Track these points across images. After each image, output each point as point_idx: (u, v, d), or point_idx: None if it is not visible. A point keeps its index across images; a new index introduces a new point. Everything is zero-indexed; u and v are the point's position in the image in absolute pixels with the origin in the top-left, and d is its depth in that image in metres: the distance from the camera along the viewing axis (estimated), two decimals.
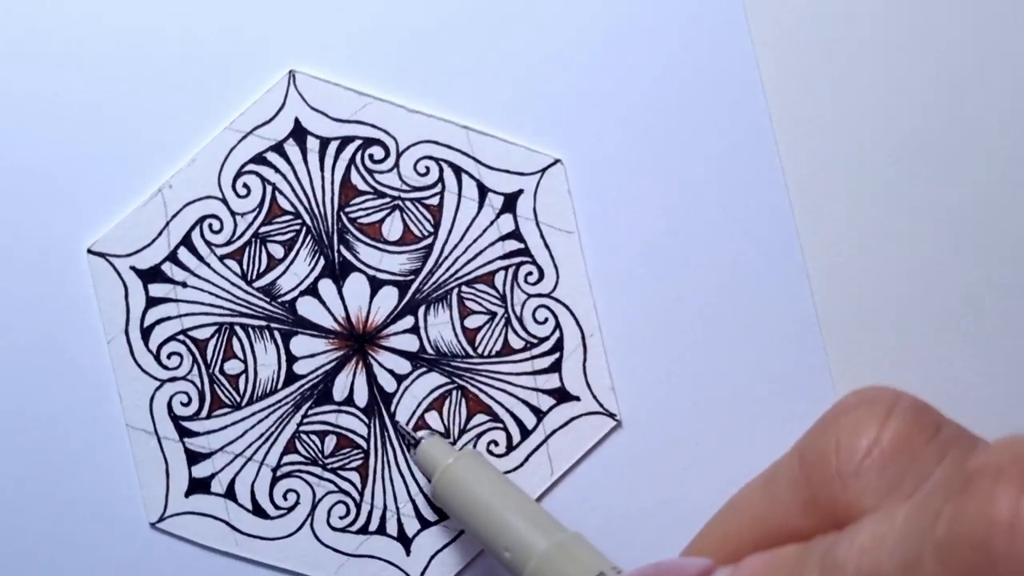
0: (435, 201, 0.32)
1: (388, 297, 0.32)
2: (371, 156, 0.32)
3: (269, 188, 0.31)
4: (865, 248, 0.32)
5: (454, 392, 0.32)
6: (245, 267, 0.31)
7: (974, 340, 0.32)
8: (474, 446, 0.32)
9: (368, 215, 0.32)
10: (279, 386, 0.31)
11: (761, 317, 0.32)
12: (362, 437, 0.31)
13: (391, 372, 0.32)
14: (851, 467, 0.21)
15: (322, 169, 0.32)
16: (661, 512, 0.32)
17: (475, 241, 0.32)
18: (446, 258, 0.32)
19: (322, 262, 0.32)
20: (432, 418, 0.32)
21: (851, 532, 0.19)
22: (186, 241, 0.31)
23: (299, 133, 0.32)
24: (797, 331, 0.32)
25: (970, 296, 0.32)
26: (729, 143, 0.32)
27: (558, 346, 0.32)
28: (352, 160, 0.32)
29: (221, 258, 0.31)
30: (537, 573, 0.26)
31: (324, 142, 0.32)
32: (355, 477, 0.31)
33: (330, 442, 0.31)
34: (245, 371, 0.31)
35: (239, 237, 0.31)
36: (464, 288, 0.32)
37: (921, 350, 0.32)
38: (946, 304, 0.32)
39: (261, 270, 0.31)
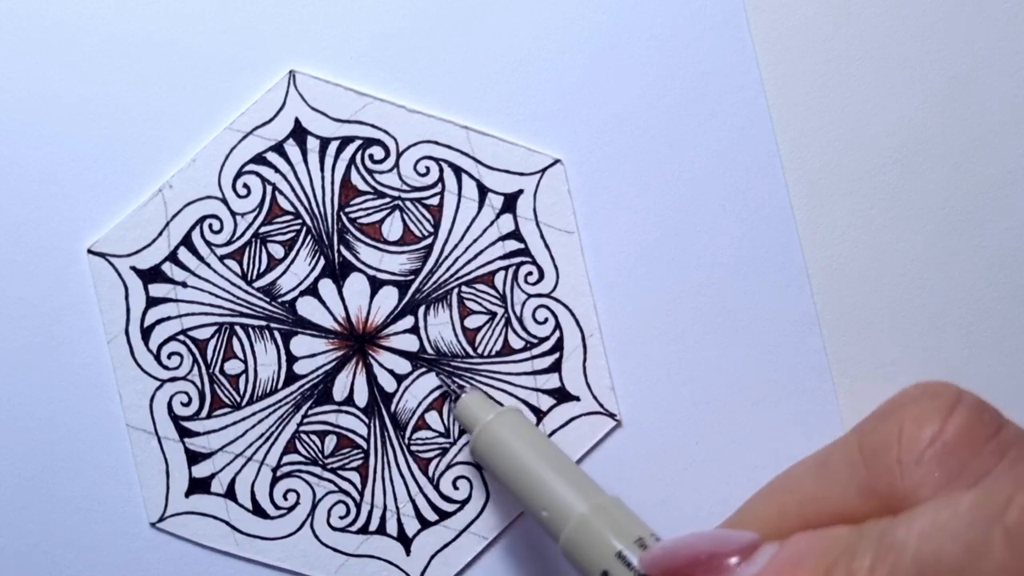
0: (435, 201, 0.32)
1: (388, 297, 0.32)
2: (371, 156, 0.32)
3: (269, 188, 0.31)
4: (865, 248, 0.32)
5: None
6: (245, 267, 0.31)
7: (974, 340, 0.32)
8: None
9: (368, 215, 0.32)
10: (279, 386, 0.31)
11: (761, 317, 0.32)
12: (362, 437, 0.31)
13: (391, 372, 0.32)
14: (913, 456, 0.21)
15: (322, 169, 0.32)
16: (662, 512, 0.31)
17: (475, 241, 0.32)
18: (446, 258, 0.32)
19: (322, 262, 0.32)
20: (432, 418, 0.32)
21: (909, 517, 0.19)
22: (186, 241, 0.31)
23: (299, 133, 0.32)
24: (797, 331, 0.32)
25: (970, 296, 0.32)
26: (729, 143, 0.32)
27: (558, 346, 0.32)
28: (352, 160, 0.32)
29: (221, 258, 0.31)
30: (575, 535, 0.26)
31: (324, 142, 0.32)
32: (355, 477, 0.31)
33: (330, 442, 0.31)
34: (245, 371, 0.31)
35: (239, 237, 0.31)
36: (464, 288, 0.32)
37: (921, 350, 0.32)
38: (946, 304, 0.32)
39: (261, 270, 0.31)
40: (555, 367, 0.32)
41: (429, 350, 0.32)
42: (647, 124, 0.32)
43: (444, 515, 0.31)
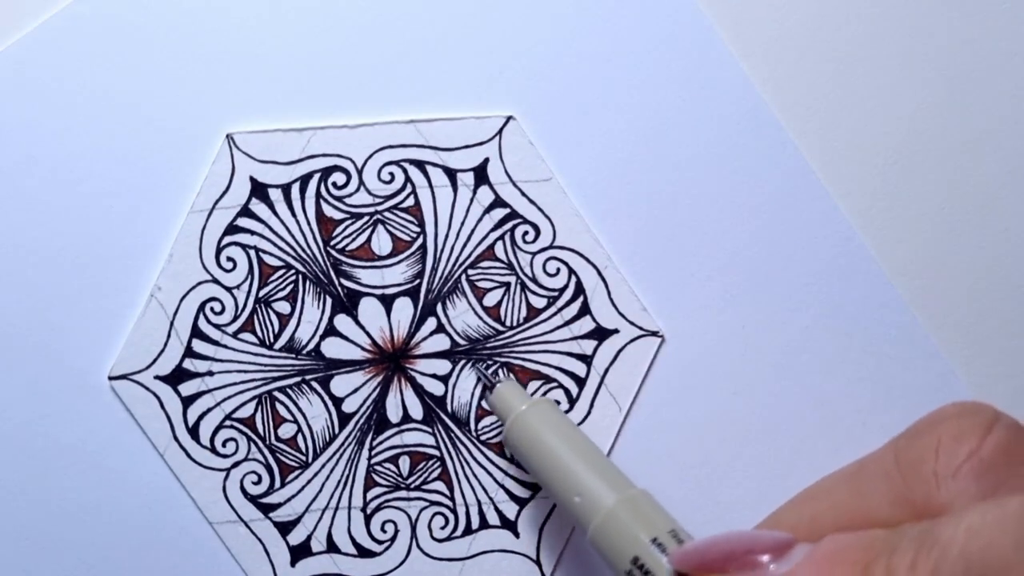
0: (411, 202, 0.32)
1: (404, 309, 0.32)
2: (334, 183, 0.32)
3: (252, 252, 0.31)
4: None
5: (500, 371, 0.32)
6: (260, 334, 0.32)
7: (974, 340, 0.32)
8: None
9: (353, 240, 0.32)
10: (336, 431, 0.32)
11: (760, 198, 0.32)
12: (432, 447, 0.32)
13: (434, 376, 0.32)
14: (950, 469, 0.21)
15: (293, 214, 0.32)
16: (730, 404, 0.32)
17: (463, 224, 0.32)
18: (442, 251, 0.32)
19: (329, 301, 0.32)
20: None
21: (954, 517, 0.19)
22: (196, 332, 0.31)
23: (259, 190, 0.31)
24: (800, 207, 0.32)
25: (970, 296, 0.32)
26: (682, 52, 0.32)
27: (579, 289, 0.32)
28: (318, 194, 0.32)
29: (234, 335, 0.31)
30: (604, 527, 0.26)
31: (285, 188, 0.32)
32: (440, 486, 0.32)
33: (404, 463, 0.32)
34: (299, 430, 0.32)
35: (243, 309, 0.31)
36: (470, 271, 0.32)
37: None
38: (946, 304, 0.32)
39: (276, 331, 0.32)
40: (584, 310, 0.32)
41: (461, 342, 0.32)
42: (591, 61, 0.32)
43: (536, 487, 0.32)
